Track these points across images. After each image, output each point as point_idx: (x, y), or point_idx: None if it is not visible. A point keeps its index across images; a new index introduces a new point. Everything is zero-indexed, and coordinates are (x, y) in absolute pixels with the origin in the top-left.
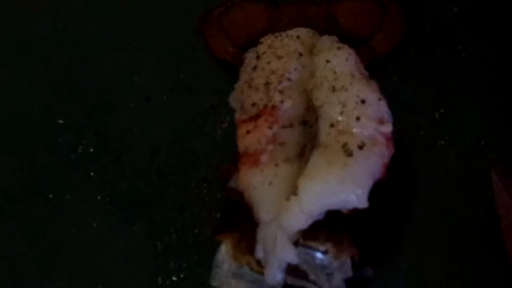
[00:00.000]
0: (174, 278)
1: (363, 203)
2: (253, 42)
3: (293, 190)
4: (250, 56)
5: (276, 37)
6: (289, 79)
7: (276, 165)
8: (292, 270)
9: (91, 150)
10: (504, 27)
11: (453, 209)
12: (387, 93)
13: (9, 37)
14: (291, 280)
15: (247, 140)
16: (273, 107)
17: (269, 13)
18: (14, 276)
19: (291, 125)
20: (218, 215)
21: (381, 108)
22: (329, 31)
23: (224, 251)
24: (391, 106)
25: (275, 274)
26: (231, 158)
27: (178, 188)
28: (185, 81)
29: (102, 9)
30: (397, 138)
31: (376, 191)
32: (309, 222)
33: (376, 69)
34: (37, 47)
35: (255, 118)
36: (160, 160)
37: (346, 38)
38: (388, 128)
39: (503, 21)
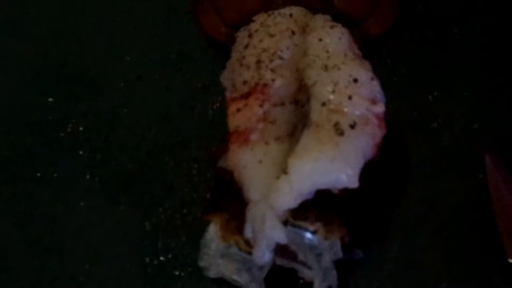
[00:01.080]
0: (162, 258)
1: (353, 183)
2: (246, 22)
3: (283, 169)
4: (242, 34)
5: (269, 15)
6: (281, 58)
7: (267, 143)
8: (281, 250)
9: (81, 129)
10: (498, 10)
11: (445, 191)
12: (381, 74)
13: None
14: (280, 261)
15: (237, 118)
16: (264, 85)
17: None
18: (1, 255)
19: (282, 104)
20: (208, 196)
21: (374, 87)
22: (324, 12)
23: (213, 231)
24: (385, 88)
25: (263, 253)
26: (222, 138)
27: (167, 168)
28: (177, 60)
29: None
30: (390, 120)
31: (368, 172)
32: (299, 201)
33: (370, 50)
34: (26, 26)
35: (246, 96)
36: (150, 140)
37: (340, 19)
38: (380, 108)
39: (497, 4)
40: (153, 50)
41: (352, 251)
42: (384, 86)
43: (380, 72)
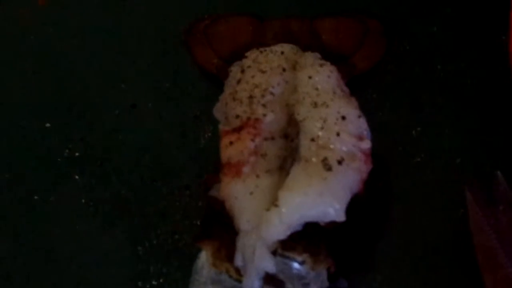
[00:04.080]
0: (154, 282)
1: (340, 217)
2: (238, 54)
3: (273, 201)
4: (235, 69)
5: (261, 52)
6: (272, 93)
7: (258, 176)
8: (269, 279)
9: (77, 154)
10: (482, 48)
11: (428, 224)
12: (366, 109)
13: None
14: None
15: (230, 151)
16: (256, 120)
17: (253, 27)
18: None
19: (272, 138)
20: (199, 223)
21: (361, 124)
22: (312, 47)
23: (204, 258)
24: (370, 123)
25: (253, 282)
26: (213, 167)
27: (160, 195)
28: (170, 90)
29: (90, 17)
30: (375, 153)
31: (354, 205)
32: (288, 233)
33: (356, 85)
34: (24, 51)
35: (238, 130)
36: (144, 167)
37: (328, 54)
38: (366, 145)
39: (481, 43)
40: (147, 79)
41: (337, 280)
42: (369, 120)
43: (365, 107)
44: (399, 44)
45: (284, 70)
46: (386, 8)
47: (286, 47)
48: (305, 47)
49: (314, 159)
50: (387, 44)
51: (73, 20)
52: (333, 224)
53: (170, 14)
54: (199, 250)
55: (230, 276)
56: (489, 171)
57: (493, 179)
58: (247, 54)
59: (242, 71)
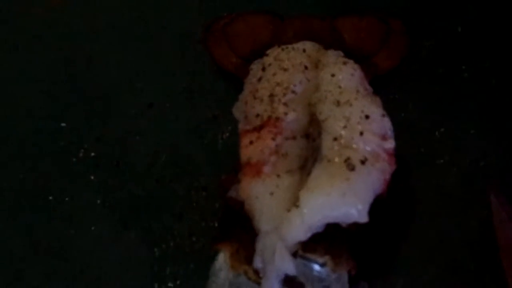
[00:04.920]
0: (170, 285)
1: (363, 218)
2: (258, 54)
3: (294, 202)
4: (255, 67)
5: (282, 49)
6: (293, 92)
7: (278, 176)
8: (289, 281)
9: (92, 154)
10: (507, 48)
11: (451, 227)
12: (389, 109)
13: (12, 41)
14: None
15: (250, 150)
16: (277, 118)
17: (273, 26)
18: (11, 279)
19: (294, 137)
20: (216, 224)
21: (385, 124)
22: (334, 46)
23: (222, 260)
24: (393, 123)
25: (272, 284)
26: (231, 168)
27: (177, 196)
28: (188, 89)
29: (107, 16)
30: (398, 155)
31: (376, 206)
32: (309, 234)
33: (378, 85)
34: (40, 51)
35: (258, 129)
36: (160, 167)
37: (349, 54)
38: (390, 144)
39: (506, 43)
40: (165, 79)
41: (358, 283)
42: (392, 121)
43: (388, 107)
44: (422, 44)
45: (306, 68)
46: (408, 7)
47: (308, 45)
48: (326, 47)
49: (336, 159)
50: (410, 43)
51: (88, 20)
52: (355, 226)
53: (189, 13)
54: (216, 252)
55: (249, 278)
56: None
57: None
58: (268, 51)
59: (263, 69)
